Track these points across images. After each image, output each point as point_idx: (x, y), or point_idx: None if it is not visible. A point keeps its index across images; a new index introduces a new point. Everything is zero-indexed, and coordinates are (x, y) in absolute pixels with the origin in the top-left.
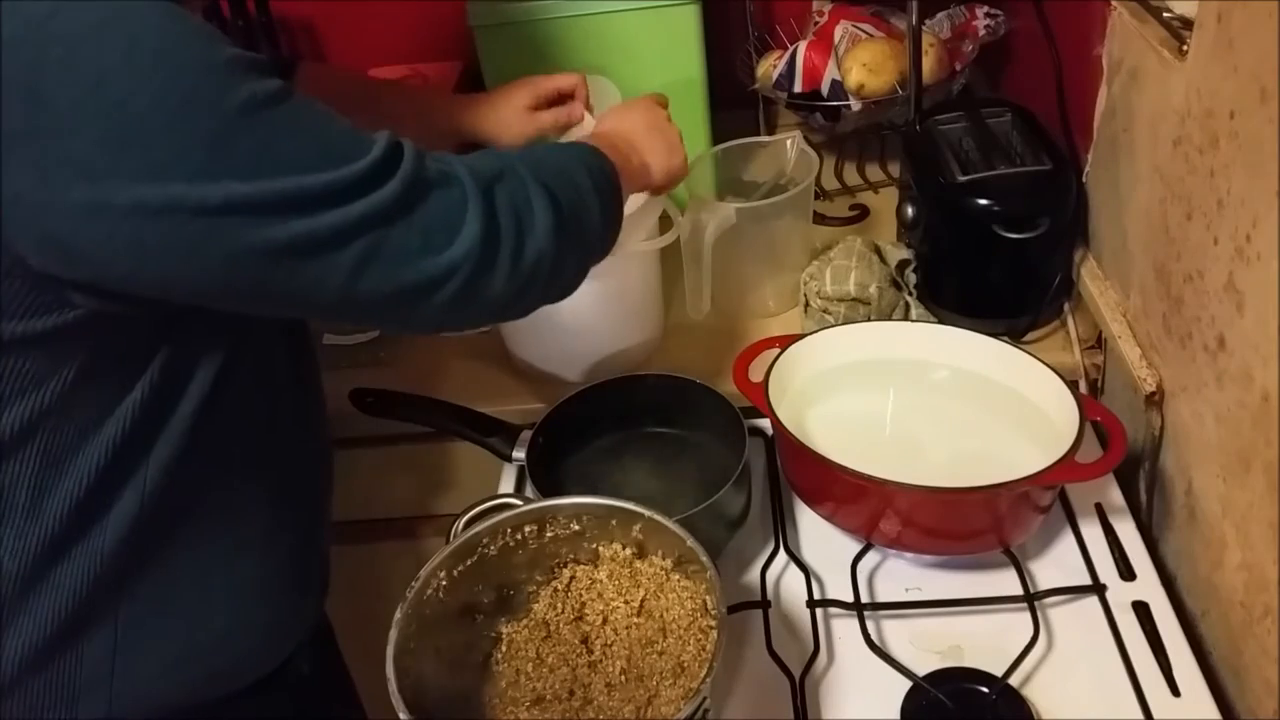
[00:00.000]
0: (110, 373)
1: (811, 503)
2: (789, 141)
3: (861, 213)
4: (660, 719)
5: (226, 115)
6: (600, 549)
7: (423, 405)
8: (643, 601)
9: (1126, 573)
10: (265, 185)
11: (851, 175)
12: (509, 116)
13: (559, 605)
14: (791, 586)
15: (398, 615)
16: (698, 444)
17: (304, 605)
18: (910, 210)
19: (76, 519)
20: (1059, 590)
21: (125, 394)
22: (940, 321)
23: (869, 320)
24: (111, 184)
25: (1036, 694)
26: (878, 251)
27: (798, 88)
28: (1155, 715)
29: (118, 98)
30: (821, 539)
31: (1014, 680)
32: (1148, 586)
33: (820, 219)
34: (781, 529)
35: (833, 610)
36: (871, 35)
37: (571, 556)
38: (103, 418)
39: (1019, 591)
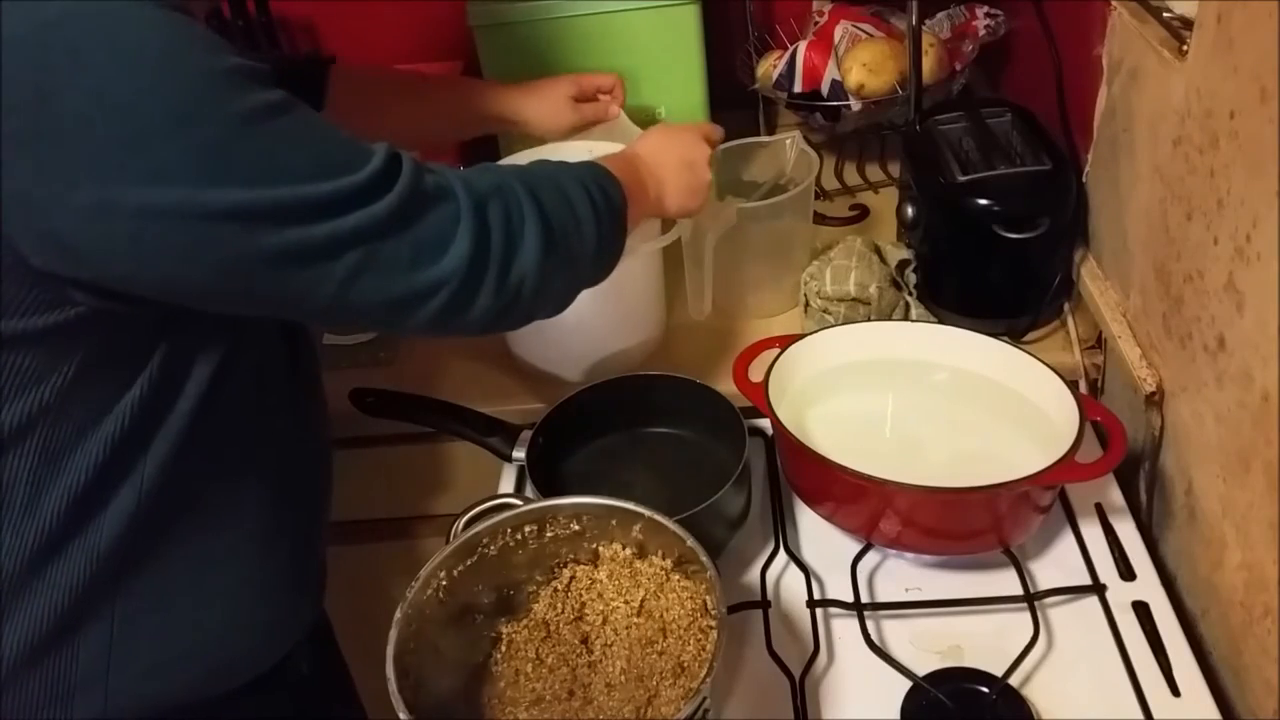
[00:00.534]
0: (109, 370)
1: (811, 503)
2: (789, 141)
3: (861, 213)
4: (660, 719)
5: (229, 123)
6: (600, 549)
7: (423, 405)
8: (643, 601)
9: (1126, 573)
10: (265, 193)
11: (851, 175)
12: (552, 105)
13: (559, 605)
14: (791, 586)
15: (398, 615)
16: (698, 444)
17: (301, 605)
18: (910, 210)
19: (74, 516)
20: (1059, 590)
21: (124, 392)
22: (940, 321)
23: (869, 320)
24: (115, 186)
25: (1036, 694)
26: (878, 251)
27: (798, 88)
28: (1155, 715)
29: (124, 101)
30: (821, 539)
31: (1014, 680)
32: (1148, 586)
33: (820, 219)
34: (781, 529)
35: (833, 610)
36: (871, 35)
37: (571, 556)
38: (101, 415)
39: (1019, 591)
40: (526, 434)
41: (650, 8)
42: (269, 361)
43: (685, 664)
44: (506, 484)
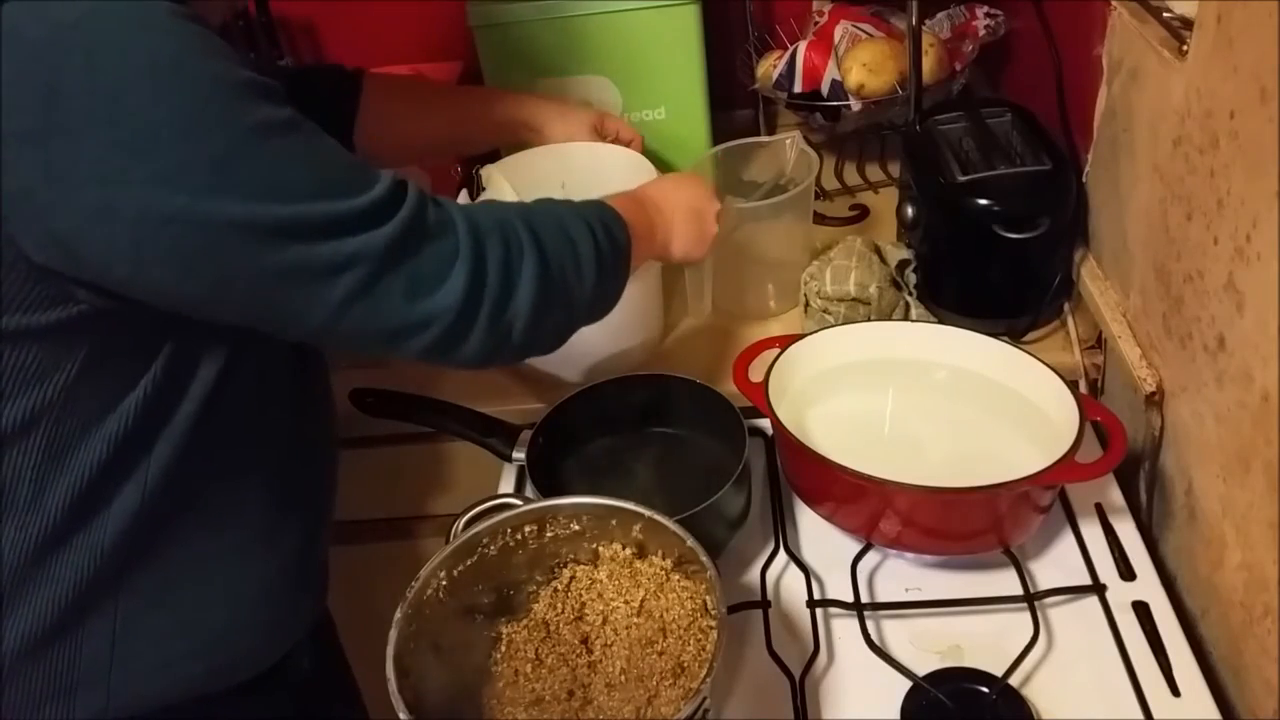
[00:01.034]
0: (113, 369)
1: (811, 503)
2: (789, 141)
3: (861, 213)
4: (660, 719)
5: (237, 135)
6: (600, 549)
7: (423, 405)
8: (643, 601)
9: (1126, 573)
10: (266, 208)
11: (851, 175)
12: (575, 128)
13: (559, 605)
14: (791, 586)
15: (398, 615)
16: (698, 444)
17: (304, 604)
18: (910, 210)
19: (77, 512)
20: (1059, 590)
21: (128, 391)
22: (940, 321)
23: (869, 320)
24: (120, 189)
25: (1036, 694)
26: (878, 251)
27: (798, 88)
28: (1155, 715)
29: (134, 106)
30: (821, 539)
31: (1014, 680)
32: (1148, 586)
33: (820, 219)
34: (781, 529)
35: (833, 610)
36: (871, 35)
37: (571, 556)
38: (105, 413)
39: (1019, 591)
40: (526, 434)
41: (650, 8)
42: (275, 362)
43: (685, 664)
44: (506, 484)
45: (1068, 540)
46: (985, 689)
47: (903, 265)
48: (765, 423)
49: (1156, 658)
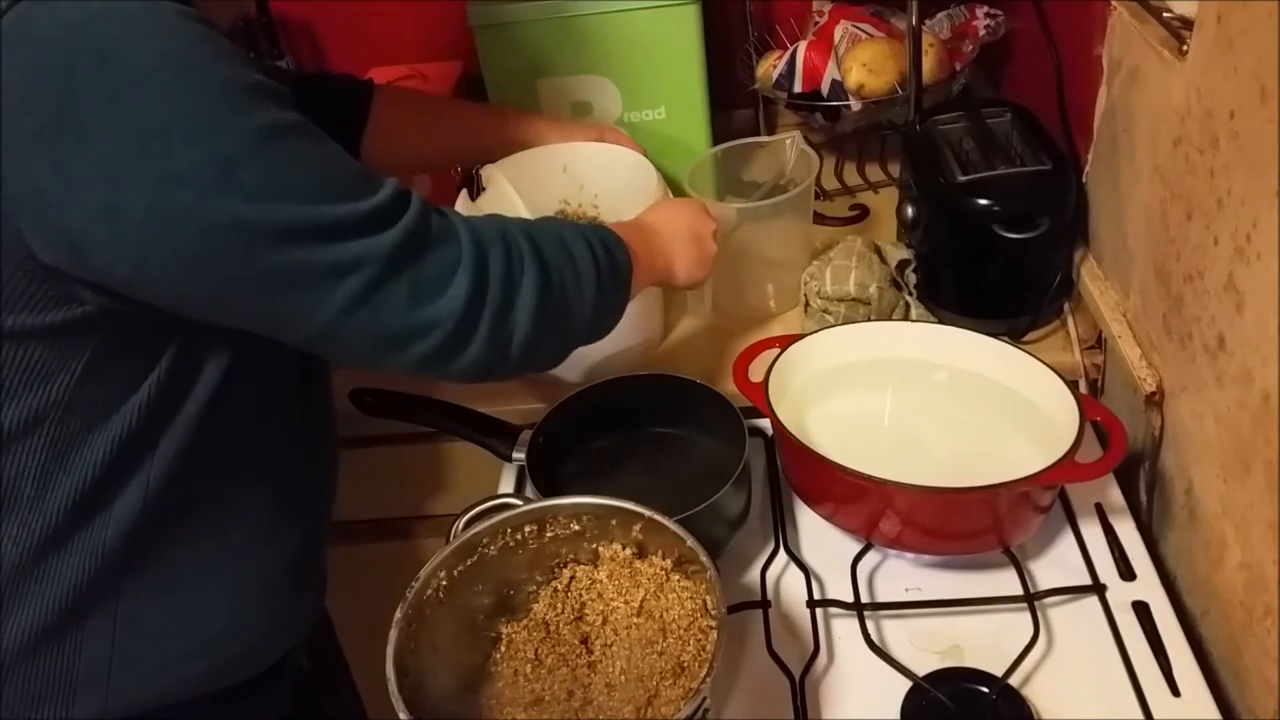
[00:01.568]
0: (118, 370)
1: (811, 503)
2: (789, 141)
3: (861, 213)
4: (660, 719)
5: (245, 137)
6: (600, 549)
7: (422, 405)
8: (643, 601)
9: (1126, 573)
10: (271, 210)
11: (851, 175)
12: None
13: (559, 605)
14: (791, 586)
15: (398, 615)
16: (698, 444)
17: (304, 604)
18: (910, 210)
19: (80, 512)
20: (1059, 590)
21: (132, 392)
22: (940, 321)
23: (869, 320)
24: (125, 188)
25: (1036, 694)
26: (878, 251)
27: (798, 88)
28: (1155, 715)
29: (143, 106)
30: (821, 539)
31: (1014, 680)
32: (1148, 586)
33: (820, 219)
34: (781, 529)
35: (833, 610)
36: (871, 35)
37: (571, 556)
38: (109, 413)
39: (1019, 591)
40: (526, 434)
41: (650, 8)
42: (278, 364)
43: (685, 664)
44: (506, 484)
45: (1068, 540)
46: (985, 689)
47: (903, 265)
48: (765, 423)
49: (1156, 658)
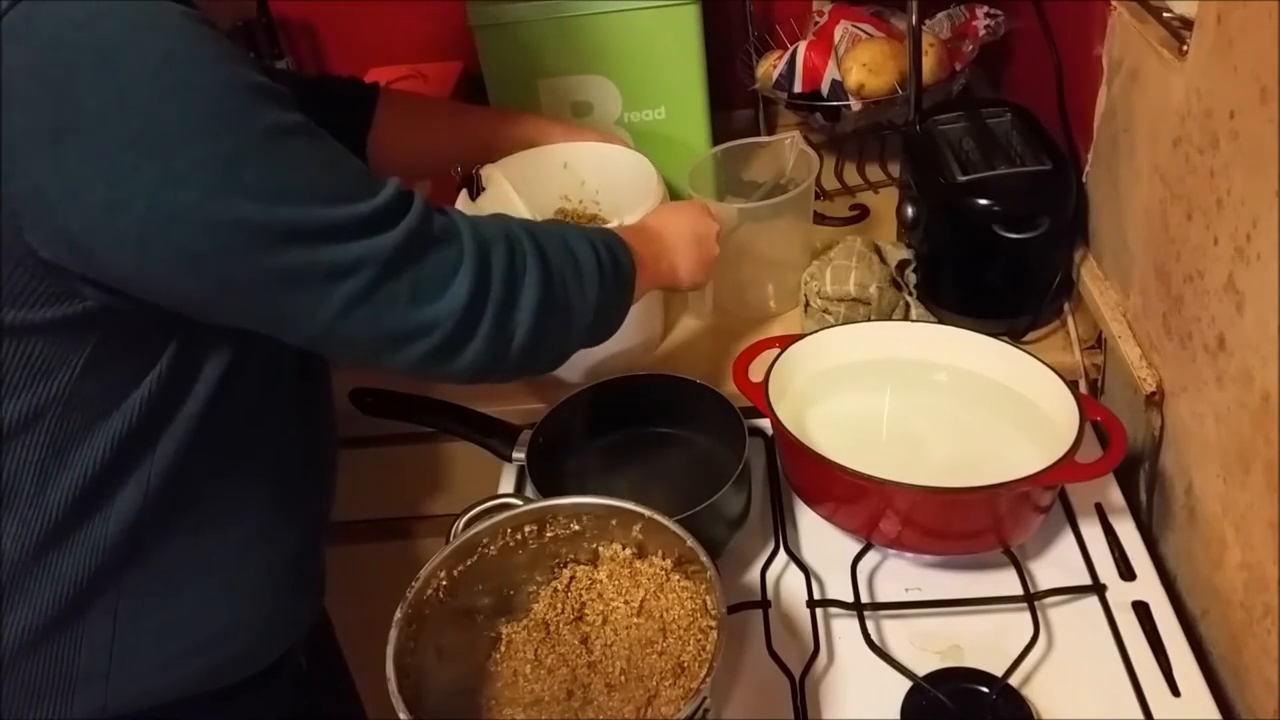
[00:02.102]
0: (118, 366)
1: (811, 503)
2: (789, 141)
3: (861, 213)
4: (660, 719)
5: (247, 136)
6: (600, 549)
7: (422, 405)
8: (643, 601)
9: (1126, 573)
10: (273, 210)
11: (851, 175)
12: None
13: (559, 605)
14: (791, 586)
15: (398, 615)
16: (698, 444)
17: (302, 604)
18: (910, 210)
19: (79, 509)
20: (1059, 590)
21: (133, 388)
22: (940, 321)
23: (869, 320)
24: (129, 188)
25: (1036, 694)
26: (878, 251)
27: (798, 88)
28: (1155, 715)
29: (145, 105)
30: (821, 539)
31: (1014, 680)
32: (1148, 586)
33: (820, 219)
34: (781, 529)
35: (833, 610)
36: (871, 35)
37: (571, 556)
38: (109, 410)
39: (1019, 591)
40: (526, 434)
41: (650, 8)
42: (279, 362)
43: (685, 664)
44: (506, 484)
45: (1068, 540)
46: (985, 689)
47: (903, 265)
48: (765, 423)
49: (1156, 658)
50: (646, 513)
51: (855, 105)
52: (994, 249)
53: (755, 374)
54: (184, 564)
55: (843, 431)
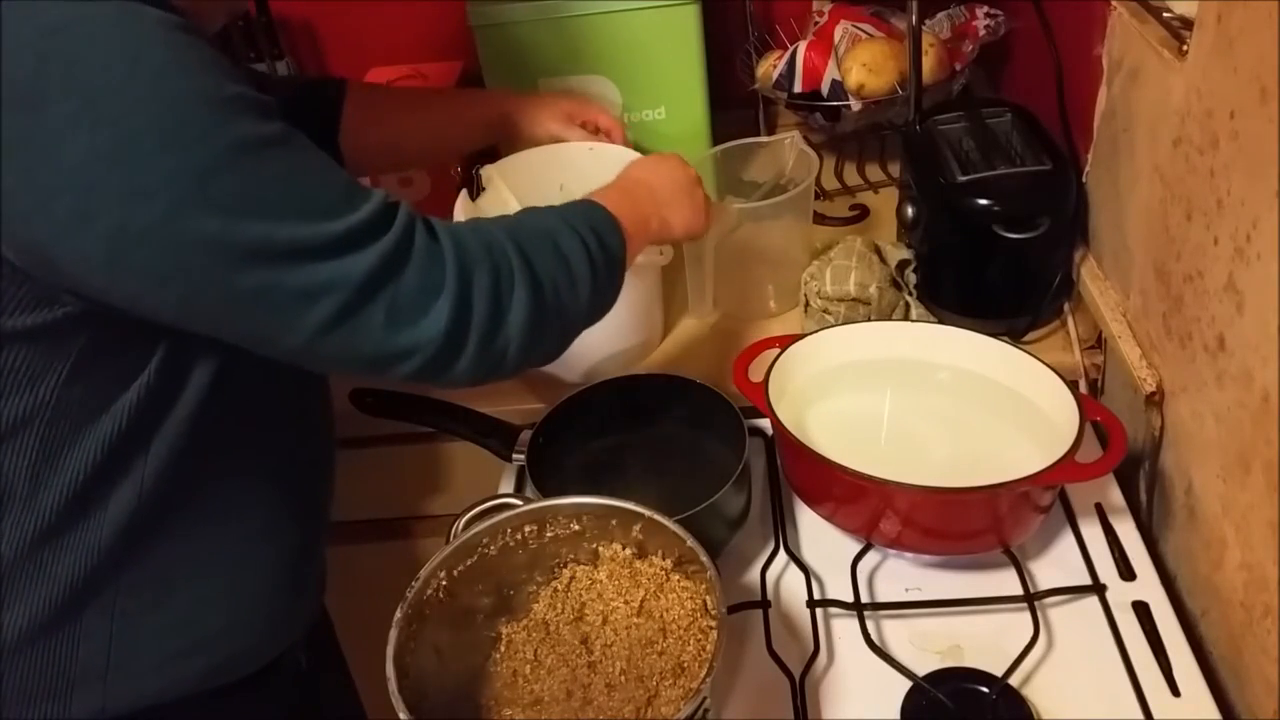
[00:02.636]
0: (105, 371)
1: (811, 503)
2: (789, 141)
3: (861, 213)
4: (660, 719)
5: (216, 151)
6: (600, 549)
7: (422, 405)
8: (643, 601)
9: (1126, 573)
10: (240, 228)
11: (851, 175)
12: (549, 119)
13: (559, 605)
14: (791, 586)
15: (398, 615)
16: (698, 444)
17: (301, 604)
18: (910, 210)
19: (73, 511)
20: (1059, 590)
21: (121, 392)
22: (940, 321)
23: (869, 320)
24: (96, 199)
25: (1036, 694)
26: (878, 251)
27: (798, 88)
28: (1155, 715)
29: (112, 115)
30: (821, 539)
31: (1014, 680)
32: (1148, 586)
33: (820, 219)
34: (781, 529)
35: (833, 610)
36: (871, 35)
37: (571, 556)
38: (98, 414)
39: (1019, 591)
40: (526, 434)
41: (650, 8)
42: (273, 365)
43: (685, 664)
44: (506, 484)
45: (1068, 540)
46: (985, 689)
47: (903, 265)
48: (765, 423)
49: (1156, 658)
50: (646, 513)
51: (855, 105)
52: (994, 249)
53: (755, 374)
54: (181, 564)
55: (843, 431)
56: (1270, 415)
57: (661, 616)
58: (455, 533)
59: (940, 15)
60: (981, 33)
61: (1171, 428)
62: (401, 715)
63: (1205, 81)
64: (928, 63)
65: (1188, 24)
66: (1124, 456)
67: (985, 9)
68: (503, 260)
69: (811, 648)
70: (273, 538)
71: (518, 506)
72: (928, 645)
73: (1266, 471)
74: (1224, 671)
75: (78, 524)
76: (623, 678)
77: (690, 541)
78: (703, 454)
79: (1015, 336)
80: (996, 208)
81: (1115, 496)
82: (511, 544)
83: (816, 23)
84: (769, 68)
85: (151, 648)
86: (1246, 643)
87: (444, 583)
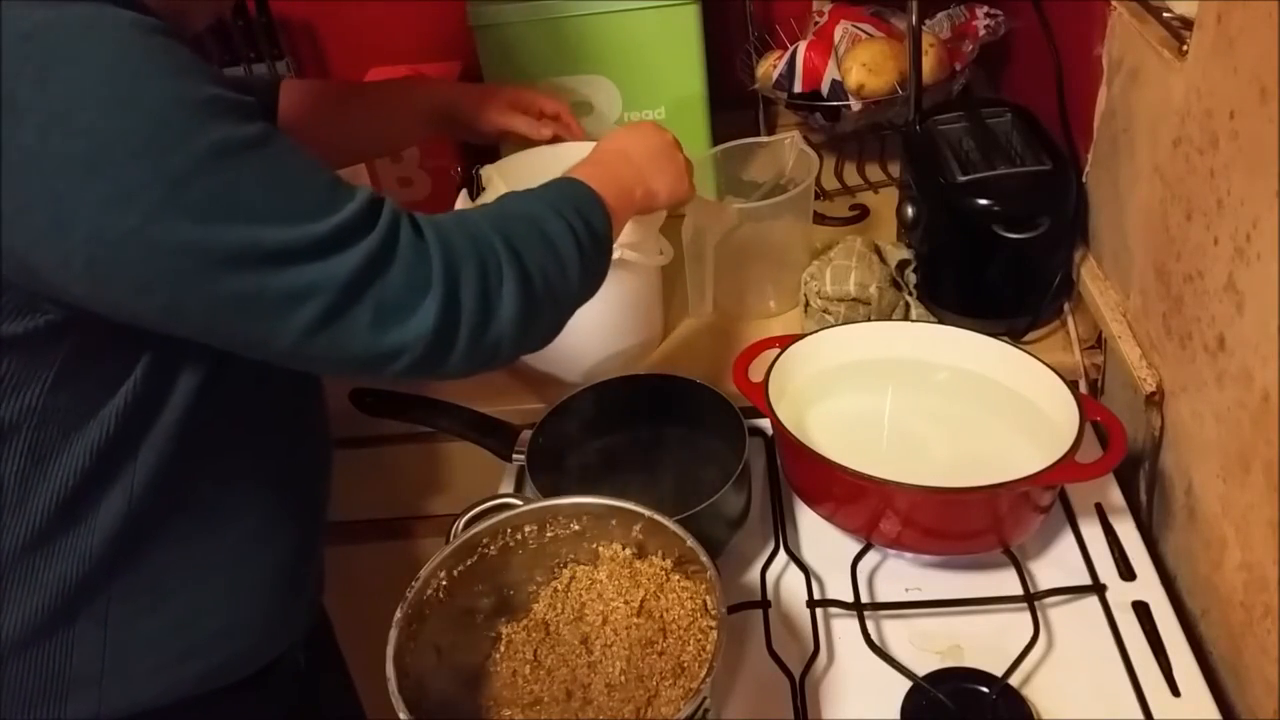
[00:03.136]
0: (91, 377)
1: (811, 503)
2: (789, 141)
3: (861, 213)
4: (660, 719)
5: (193, 155)
6: (600, 549)
7: (422, 405)
8: (643, 601)
9: (1126, 573)
10: (220, 232)
11: (851, 175)
12: (493, 111)
13: (559, 605)
14: (791, 586)
15: (398, 615)
16: (698, 444)
17: (299, 605)
18: (910, 210)
19: (63, 516)
20: (1059, 590)
21: (108, 398)
22: (940, 321)
23: (869, 320)
24: (70, 207)
25: (1036, 694)
26: (878, 251)
27: (798, 88)
28: (1155, 715)
29: (87, 121)
30: (821, 539)
31: (1014, 680)
32: (1148, 586)
33: (820, 219)
34: (781, 529)
35: (833, 610)
36: (871, 35)
37: (571, 556)
38: (86, 420)
39: (1019, 591)
40: (526, 434)
41: (650, 8)
42: (263, 368)
43: (685, 664)
44: (506, 484)
45: (1068, 540)
46: (985, 689)
47: (903, 265)
48: (765, 423)
49: (1156, 658)
50: (646, 513)
51: (855, 105)
52: (994, 249)
53: (755, 374)
54: (176, 568)
55: (843, 431)
56: (1270, 415)
57: (661, 616)
58: (455, 533)
59: (940, 15)
60: (981, 33)
61: (1171, 428)
62: (401, 715)
63: (1205, 81)
64: (928, 63)
65: (1188, 24)
66: (1124, 456)
67: (985, 9)
68: (489, 253)
69: (811, 648)
70: (268, 540)
71: (518, 506)
72: (928, 645)
73: (1266, 471)
74: (1224, 671)
75: (68, 530)
76: (623, 678)
77: (690, 541)
78: (703, 454)
79: (1015, 336)
80: (996, 208)
81: (1115, 496)
82: (511, 544)
83: (816, 23)
84: (769, 68)
85: (146, 653)
86: (1246, 643)
87: (444, 583)
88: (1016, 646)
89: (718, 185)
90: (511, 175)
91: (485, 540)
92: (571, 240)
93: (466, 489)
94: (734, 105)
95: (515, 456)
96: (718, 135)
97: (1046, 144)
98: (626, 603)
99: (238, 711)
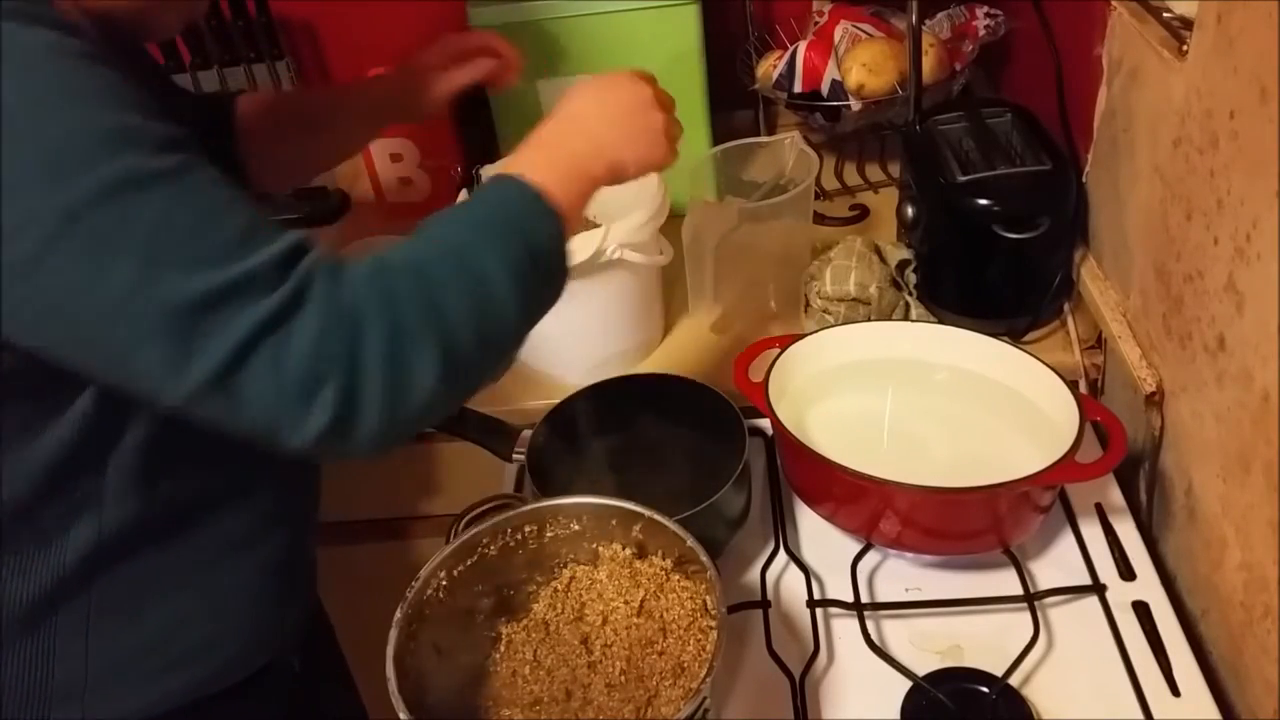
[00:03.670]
0: (33, 399)
1: (811, 503)
2: (789, 141)
3: (861, 213)
4: (660, 719)
5: (90, 187)
6: (600, 549)
7: None
8: (643, 601)
9: (1126, 573)
10: (109, 271)
11: (851, 175)
12: (423, 87)
13: (559, 605)
14: (791, 586)
15: (398, 615)
16: (698, 444)
17: (289, 610)
18: (910, 210)
19: (33, 536)
20: (1059, 590)
21: (57, 419)
22: (940, 321)
23: (869, 320)
24: None
25: (1036, 694)
26: (878, 251)
27: (798, 88)
28: (1155, 715)
29: None
30: (821, 539)
31: (1014, 680)
32: (1148, 586)
33: (820, 219)
34: (781, 529)
35: (833, 610)
36: (871, 35)
37: (571, 556)
38: (34, 442)
39: (1019, 591)
40: (526, 434)
41: (650, 8)
42: None
43: (685, 664)
44: (506, 484)
45: (1068, 540)
46: (985, 689)
47: (903, 265)
48: (765, 423)
49: (1156, 658)
50: (646, 513)
51: (855, 105)
52: (994, 249)
53: (755, 374)
54: (157, 580)
55: (843, 431)
56: (1270, 415)
57: (661, 616)
58: (455, 533)
59: (940, 15)
60: (981, 33)
61: (1171, 428)
62: (401, 715)
63: (1205, 81)
64: (928, 63)
65: (1188, 24)
66: (1124, 456)
67: (985, 9)
68: (405, 315)
69: (811, 648)
70: (253, 546)
71: (518, 506)
72: (928, 645)
73: (1266, 471)
74: (1224, 671)
75: (40, 547)
76: (623, 678)
77: (690, 541)
78: (703, 454)
79: (1015, 336)
80: (996, 208)
81: (1115, 496)
82: (511, 544)
83: (816, 23)
84: (769, 68)
85: (130, 665)
86: (1246, 643)
87: (444, 583)
88: (1016, 646)
89: (718, 185)
90: None
91: (485, 540)
92: (506, 272)
93: (466, 489)
94: (734, 105)
95: (515, 456)
96: (718, 135)
97: (1046, 144)
98: (626, 603)
99: (231, 715)
